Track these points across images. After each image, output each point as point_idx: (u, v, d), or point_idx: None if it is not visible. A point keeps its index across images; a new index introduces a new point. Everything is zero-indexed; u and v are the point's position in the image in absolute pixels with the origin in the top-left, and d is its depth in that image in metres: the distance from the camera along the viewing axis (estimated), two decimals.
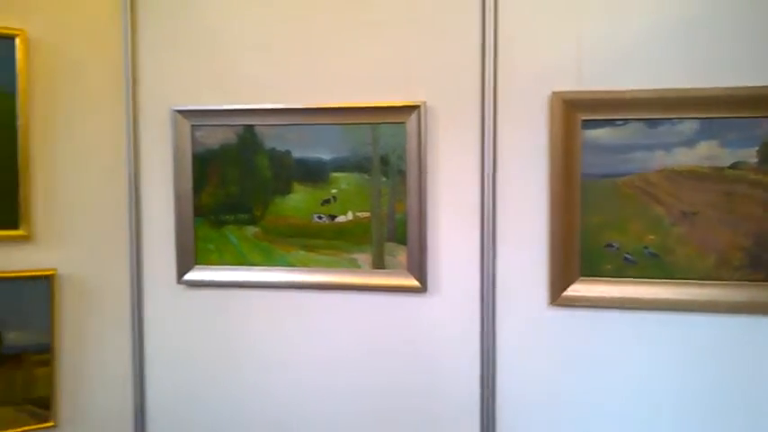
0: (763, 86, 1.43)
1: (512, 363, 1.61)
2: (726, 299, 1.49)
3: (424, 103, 1.58)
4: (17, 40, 1.54)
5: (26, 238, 1.61)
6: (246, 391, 1.76)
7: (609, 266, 1.54)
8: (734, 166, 1.47)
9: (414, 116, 1.58)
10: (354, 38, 1.63)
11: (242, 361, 1.75)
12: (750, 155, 1.46)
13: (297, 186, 1.67)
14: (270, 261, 1.70)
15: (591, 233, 1.54)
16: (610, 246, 1.54)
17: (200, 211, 1.72)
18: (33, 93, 1.60)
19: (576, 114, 1.52)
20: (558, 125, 1.53)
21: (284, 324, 1.73)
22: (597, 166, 1.53)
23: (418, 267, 1.62)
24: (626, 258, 1.54)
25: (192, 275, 1.73)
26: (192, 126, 1.71)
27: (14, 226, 1.59)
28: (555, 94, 1.52)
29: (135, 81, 1.75)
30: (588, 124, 1.53)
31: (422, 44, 1.60)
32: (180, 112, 1.70)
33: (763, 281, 1.48)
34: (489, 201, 1.59)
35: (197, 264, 1.73)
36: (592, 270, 1.55)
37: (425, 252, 1.62)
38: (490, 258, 1.60)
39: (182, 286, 1.75)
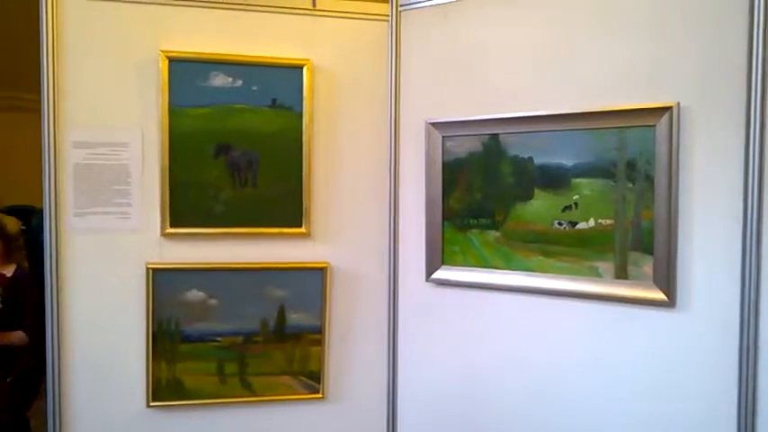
0: None
1: None
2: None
3: (678, 104, 1.49)
4: (304, 69, 1.86)
5: (306, 236, 1.92)
6: (478, 385, 1.83)
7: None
8: None
9: (665, 119, 1.50)
10: (604, 41, 1.60)
11: (478, 357, 1.83)
12: None
13: (538, 192, 1.70)
14: (510, 265, 1.76)
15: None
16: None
17: (448, 216, 1.85)
18: (316, 112, 1.90)
19: None
20: None
21: (518, 327, 1.76)
22: None
23: (666, 279, 1.52)
24: None
25: (438, 274, 1.87)
26: (443, 137, 1.85)
27: (299, 225, 1.90)
28: None
29: (396, 98, 1.96)
30: None
31: (676, 44, 1.51)
32: (433, 124, 1.86)
33: None
34: (754, 210, 1.42)
35: (444, 264, 1.87)
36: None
37: (674, 263, 1.51)
38: (753, 272, 1.43)
39: (430, 284, 1.90)
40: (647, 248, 1.54)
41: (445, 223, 1.86)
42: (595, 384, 1.64)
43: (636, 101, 1.54)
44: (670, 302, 1.51)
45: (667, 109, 1.49)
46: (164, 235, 1.82)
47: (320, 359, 1.94)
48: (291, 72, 1.85)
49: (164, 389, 1.83)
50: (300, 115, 1.87)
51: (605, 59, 1.60)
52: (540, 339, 1.73)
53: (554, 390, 1.70)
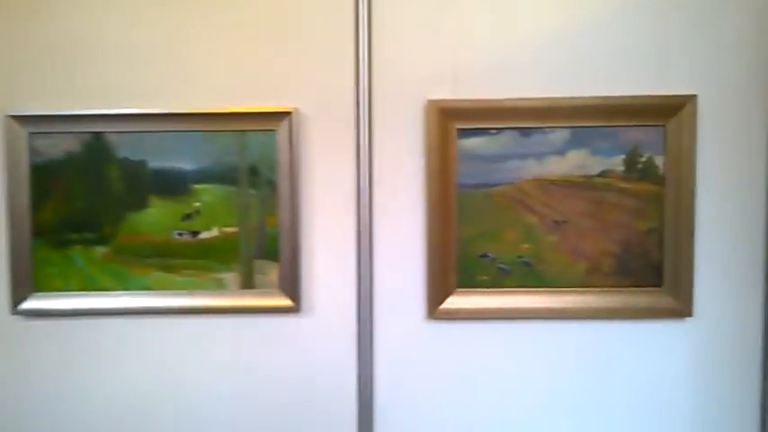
0: (631, 96, 1.46)
1: (391, 380, 1.54)
2: (598, 305, 1.50)
3: (296, 109, 1.48)
4: None
5: None
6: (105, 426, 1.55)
7: (485, 277, 1.51)
8: (602, 175, 1.49)
9: (285, 123, 1.48)
10: (221, 40, 1.50)
11: (92, 394, 1.54)
12: (617, 163, 1.49)
13: (154, 200, 1.51)
14: (123, 285, 1.51)
15: (466, 244, 1.51)
16: (485, 256, 1.51)
17: (40, 231, 1.50)
18: None
19: (451, 123, 1.49)
20: (433, 134, 1.48)
21: (141, 354, 1.54)
22: (472, 176, 1.50)
23: (290, 285, 1.50)
24: (500, 268, 1.51)
25: (29, 304, 1.51)
26: (31, 133, 1.49)
27: None
28: (430, 102, 1.48)
29: None
30: (463, 133, 1.49)
31: (293, 48, 1.50)
32: (15, 117, 1.48)
33: (632, 286, 1.51)
34: (366, 213, 1.51)
35: (36, 291, 1.51)
36: (468, 281, 1.51)
37: (298, 269, 1.50)
38: (367, 273, 1.52)
39: (18, 317, 1.51)
40: (273, 256, 1.51)
41: (36, 240, 1.50)
42: (238, 396, 1.53)
43: (260, 105, 1.48)
44: (295, 307, 1.50)
45: (287, 114, 1.47)
46: None
47: None
48: None
49: None
50: None
51: (228, 60, 1.50)
52: (167, 363, 1.54)
53: (203, 413, 1.53)
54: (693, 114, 1.46)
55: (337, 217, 1.52)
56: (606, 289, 1.51)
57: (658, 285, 1.50)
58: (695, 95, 1.46)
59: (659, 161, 1.48)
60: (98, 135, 1.49)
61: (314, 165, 1.51)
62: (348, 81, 1.50)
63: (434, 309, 1.52)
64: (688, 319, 1.51)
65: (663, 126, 1.47)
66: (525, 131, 1.49)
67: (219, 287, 1.51)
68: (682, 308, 1.50)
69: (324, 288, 1.53)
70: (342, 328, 1.53)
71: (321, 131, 1.51)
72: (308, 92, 1.50)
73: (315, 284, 1.53)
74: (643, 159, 1.48)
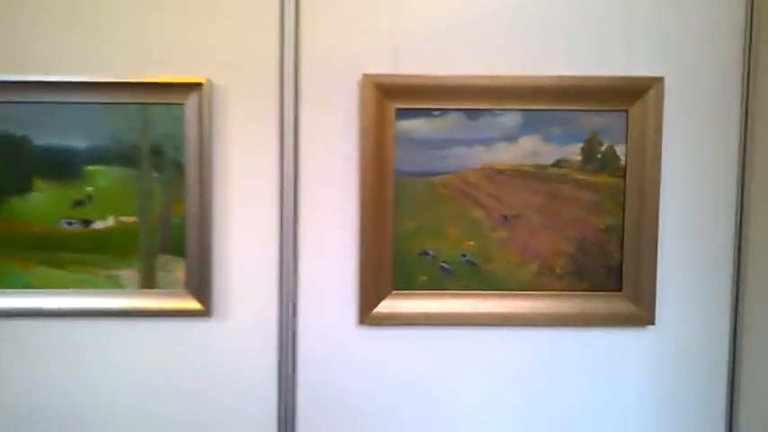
0: (591, 76, 1.30)
1: (317, 397, 1.35)
2: (550, 311, 1.34)
3: (208, 81, 1.27)
4: None
5: None
6: None
7: (425, 278, 1.33)
8: (557, 164, 1.32)
9: (194, 97, 1.27)
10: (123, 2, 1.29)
11: None
12: (574, 152, 1.32)
13: (39, 183, 1.28)
14: (1, 282, 1.29)
15: (405, 240, 1.33)
16: (425, 254, 1.33)
17: None
18: None
19: (389, 102, 1.30)
20: (369, 114, 1.29)
21: (20, 361, 1.32)
22: (412, 162, 1.31)
23: (199, 286, 1.29)
24: (443, 268, 1.33)
25: None
26: None
27: None
28: (366, 77, 1.29)
29: None
30: (403, 114, 1.31)
31: (207, 11, 1.29)
32: None
33: (589, 290, 1.34)
34: (290, 203, 1.31)
35: None
36: (406, 282, 1.33)
37: (209, 266, 1.30)
38: (291, 272, 1.32)
39: None
40: (179, 250, 1.30)
41: None
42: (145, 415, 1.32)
43: (165, 74, 1.27)
44: (205, 311, 1.30)
45: (196, 86, 1.26)
46: None
47: None
48: None
49: None
50: None
51: (130, 24, 1.28)
52: (54, 375, 1.32)
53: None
54: (659, 99, 1.30)
55: (256, 206, 1.32)
56: (559, 293, 1.34)
57: (617, 290, 1.34)
58: (662, 78, 1.30)
59: (621, 150, 1.32)
60: None
61: (229, 146, 1.31)
62: (271, 50, 1.31)
63: (367, 313, 1.33)
64: (650, 327, 1.35)
65: (625, 111, 1.32)
66: (472, 114, 1.31)
67: (115, 286, 1.30)
68: (643, 315, 1.34)
69: (239, 289, 1.33)
70: (260, 337, 1.34)
71: (239, 108, 1.31)
72: (223, 62, 1.30)
73: (229, 284, 1.33)
74: (603, 148, 1.32)
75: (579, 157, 1.33)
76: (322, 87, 1.32)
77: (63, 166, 1.28)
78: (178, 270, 1.30)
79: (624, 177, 1.33)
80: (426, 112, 1.31)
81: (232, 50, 1.30)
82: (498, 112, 1.31)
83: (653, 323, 1.34)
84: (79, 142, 1.28)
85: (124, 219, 1.29)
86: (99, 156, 1.28)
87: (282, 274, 1.32)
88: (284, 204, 1.31)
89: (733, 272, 1.36)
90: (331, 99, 1.32)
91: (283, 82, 1.30)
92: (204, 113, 1.27)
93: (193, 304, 1.30)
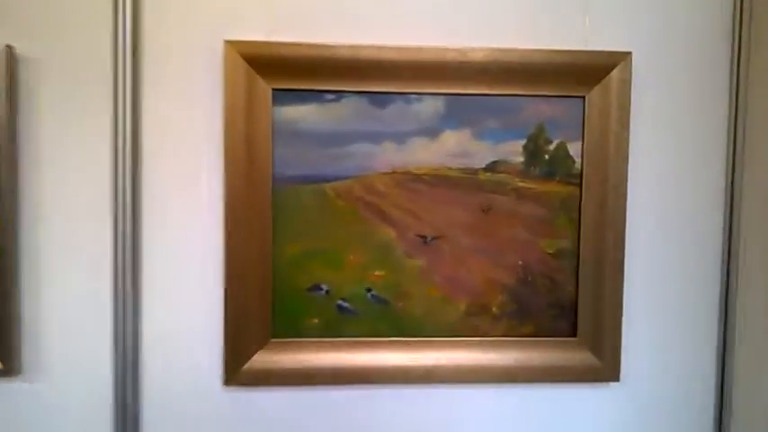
0: (536, 50, 0.97)
1: None
2: (482, 363, 1.00)
3: (10, 47, 0.90)
4: None
5: None
6: None
7: (315, 320, 0.99)
8: (492, 168, 0.99)
9: None
10: None
11: None
12: (514, 151, 0.99)
13: None
14: None
15: (287, 270, 0.97)
16: (316, 288, 0.99)
17: None
18: None
19: (264, 80, 0.95)
20: (235, 96, 0.94)
21: None
22: (297, 164, 0.97)
23: None
24: (340, 307, 0.99)
25: None
26: None
27: None
28: (229, 45, 0.93)
29: None
30: (284, 97, 0.96)
31: None
32: None
33: (534, 336, 1.01)
34: (127, 219, 0.95)
35: None
36: (289, 328, 0.99)
37: (12, 306, 0.93)
38: (130, 313, 0.95)
39: None
40: None
41: None
42: None
43: None
44: (8, 369, 0.94)
45: None
46: None
47: None
48: None
49: None
50: None
51: None
52: None
53: None
54: (626, 81, 0.99)
55: (81, 222, 0.95)
56: (496, 339, 1.01)
57: (571, 335, 1.02)
58: (629, 53, 0.98)
59: (575, 149, 0.99)
60: None
61: (42, 139, 0.94)
62: (103, 10, 0.94)
63: (235, 371, 0.98)
64: (613, 384, 1.03)
65: (581, 98, 1.00)
66: (378, 99, 0.97)
67: None
68: (604, 369, 1.02)
69: (59, 337, 0.96)
70: (89, 404, 0.97)
71: (54, 87, 0.94)
72: (33, 23, 0.92)
73: (42, 331, 0.95)
74: (552, 147, 1.00)
75: (521, 159, 1.00)
76: (172, 60, 0.96)
77: None
78: None
79: (580, 185, 1.00)
80: (316, 96, 0.97)
81: (42, 10, 0.93)
82: (413, 96, 0.97)
83: (617, 379, 1.02)
84: None
85: None
86: None
87: (117, 316, 0.96)
88: (119, 221, 0.95)
89: (719, 308, 1.04)
90: (185, 76, 0.96)
91: (117, 55, 0.94)
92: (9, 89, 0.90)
93: None
